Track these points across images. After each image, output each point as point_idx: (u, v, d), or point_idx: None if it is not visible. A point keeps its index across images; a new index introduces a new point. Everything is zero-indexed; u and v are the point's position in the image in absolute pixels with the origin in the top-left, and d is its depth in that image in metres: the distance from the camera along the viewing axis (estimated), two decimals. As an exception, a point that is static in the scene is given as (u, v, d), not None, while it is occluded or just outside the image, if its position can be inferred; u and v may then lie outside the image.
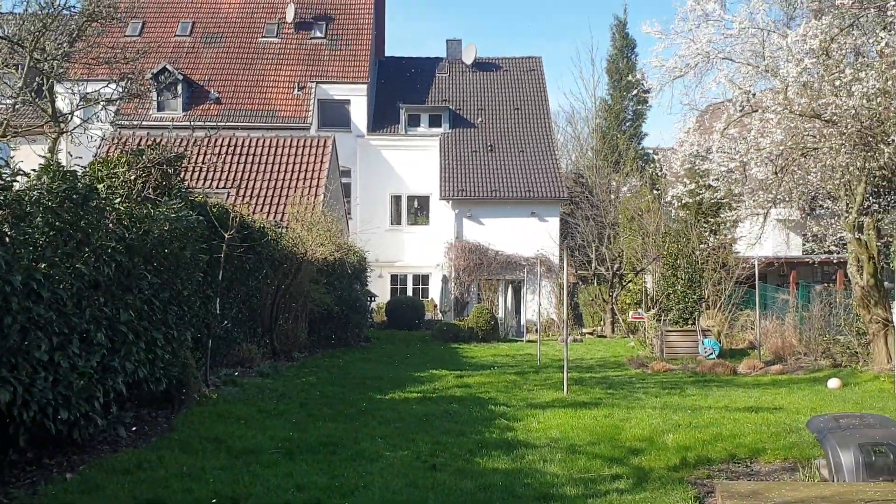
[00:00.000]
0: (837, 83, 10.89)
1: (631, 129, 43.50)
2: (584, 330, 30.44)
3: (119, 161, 10.52)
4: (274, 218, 22.13)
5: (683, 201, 15.93)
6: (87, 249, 7.62)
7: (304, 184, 24.66)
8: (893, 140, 10.94)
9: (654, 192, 24.22)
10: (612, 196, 33.10)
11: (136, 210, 9.06)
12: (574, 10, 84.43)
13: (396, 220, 34.53)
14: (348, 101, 34.60)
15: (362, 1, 38.08)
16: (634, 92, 28.45)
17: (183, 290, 9.95)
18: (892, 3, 9.64)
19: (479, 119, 36.16)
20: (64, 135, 14.62)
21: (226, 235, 12.48)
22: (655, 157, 29.45)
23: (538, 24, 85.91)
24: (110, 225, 8.29)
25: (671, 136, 26.05)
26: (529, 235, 31.59)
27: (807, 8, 13.15)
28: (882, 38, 9.65)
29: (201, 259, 10.88)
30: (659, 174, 21.25)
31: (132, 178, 10.43)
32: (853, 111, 11.35)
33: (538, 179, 33.05)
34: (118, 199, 8.77)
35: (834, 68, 11.69)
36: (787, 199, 15.86)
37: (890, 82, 10.22)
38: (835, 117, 11.65)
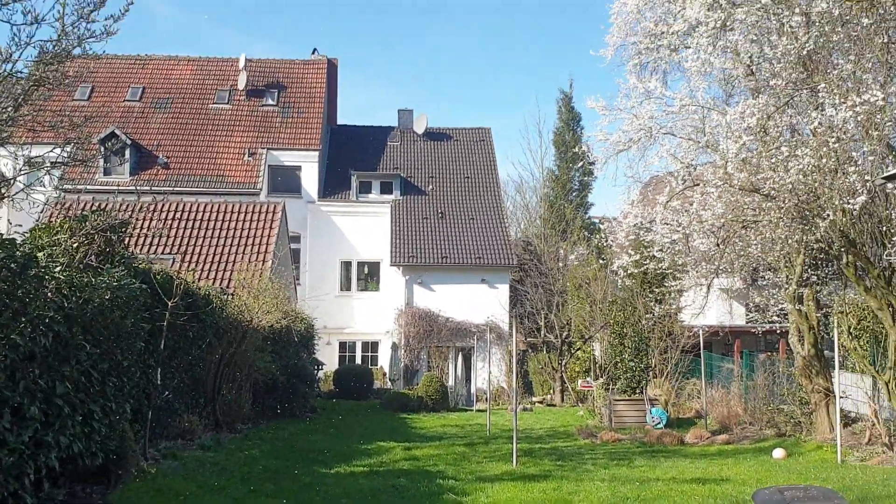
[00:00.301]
0: (774, 160, 11.28)
1: (578, 198, 44.32)
2: (534, 398, 30.34)
3: (61, 227, 10.31)
4: (220, 284, 21.81)
5: (629, 271, 16.17)
6: (23, 319, 7.38)
7: (252, 249, 24.44)
8: (829, 215, 11.31)
9: (601, 261, 24.57)
10: (561, 264, 33.50)
11: (77, 278, 8.83)
12: (522, 83, 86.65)
13: (346, 286, 34.36)
14: (299, 168, 34.67)
15: (315, 70, 38.56)
16: (580, 164, 29.07)
17: (123, 361, 9.67)
18: (823, 85, 10.09)
19: (431, 187, 36.51)
20: (5, 200, 14.29)
21: (169, 303, 12.24)
22: (601, 226, 29.97)
23: (488, 97, 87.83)
24: (49, 294, 8.05)
25: (616, 207, 26.63)
26: (480, 302, 31.66)
27: (744, 87, 13.68)
28: (815, 117, 10.07)
29: (143, 328, 10.61)
30: (605, 244, 21.60)
31: (74, 245, 10.22)
32: (790, 186, 11.73)
33: (488, 247, 33.32)
34: (59, 268, 8.55)
35: (771, 145, 12.11)
36: (730, 269, 16.23)
37: (824, 160, 10.61)
38: (773, 192, 12.02)
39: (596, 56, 15.62)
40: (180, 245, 24.68)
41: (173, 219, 25.31)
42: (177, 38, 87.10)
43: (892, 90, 9.42)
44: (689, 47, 12.10)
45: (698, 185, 13.64)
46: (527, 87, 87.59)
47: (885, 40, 10.13)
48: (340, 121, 41.66)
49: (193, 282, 16.43)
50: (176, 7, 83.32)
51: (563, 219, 40.58)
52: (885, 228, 11.98)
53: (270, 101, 36.38)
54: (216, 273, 23.77)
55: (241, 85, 36.53)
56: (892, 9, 9.32)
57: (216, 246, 24.84)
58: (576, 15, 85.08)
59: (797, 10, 9.68)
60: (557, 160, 45.18)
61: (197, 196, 28.61)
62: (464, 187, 36.89)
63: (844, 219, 11.59)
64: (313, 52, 40.00)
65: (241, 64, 37.17)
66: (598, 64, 15.20)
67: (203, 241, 24.95)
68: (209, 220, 25.73)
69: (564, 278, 31.63)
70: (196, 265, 23.57)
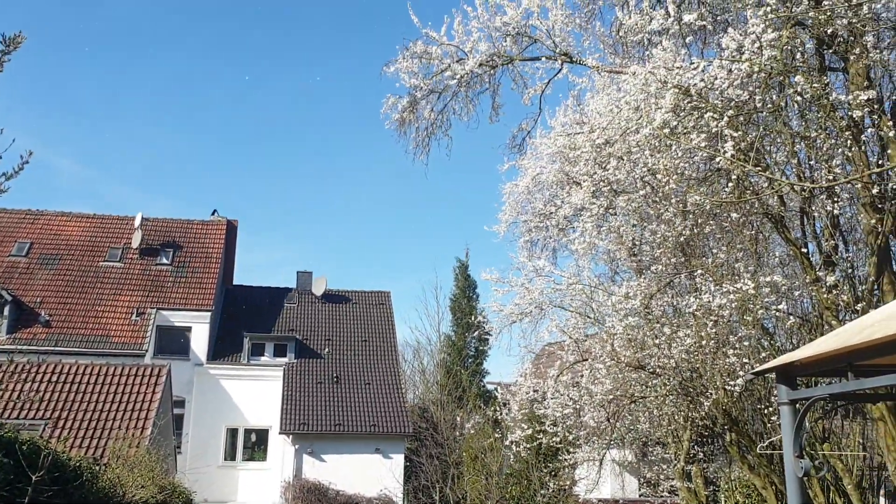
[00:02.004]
0: (658, 339, 11.67)
1: (474, 365, 44.41)
2: (427, 579, 28.92)
3: (-85, 397, 9.52)
4: (94, 454, 20.39)
5: (522, 445, 16.07)
6: None
7: (131, 415, 23.14)
8: (711, 394, 11.65)
9: (497, 433, 24.37)
10: (457, 433, 32.96)
11: (-75, 456, 8.05)
12: (420, 249, 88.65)
13: (231, 455, 32.67)
14: (189, 329, 33.68)
15: (214, 231, 38.42)
16: (476, 332, 29.50)
17: (-32, 549, 8.71)
18: (700, 270, 10.67)
19: (327, 350, 35.96)
20: None
21: (34, 478, 11.27)
22: (498, 393, 29.95)
23: (387, 261, 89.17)
24: None
25: (511, 375, 26.81)
26: (373, 474, 30.56)
27: (628, 267, 14.33)
28: (693, 302, 10.57)
29: (-2, 509, 9.69)
30: (500, 414, 21.51)
31: (-72, 416, 9.42)
32: (674, 364, 12.10)
33: (384, 414, 32.62)
34: None
35: (654, 323, 12.57)
36: (621, 444, 16.33)
37: (704, 341, 11.04)
38: (658, 369, 12.35)
39: (490, 231, 16.22)
40: (54, 410, 23.16)
41: (49, 381, 23.89)
42: (75, 194, 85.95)
43: (762, 279, 10.03)
44: (576, 229, 12.70)
45: (587, 359, 13.91)
46: (425, 252, 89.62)
47: (753, 232, 10.92)
48: (237, 281, 41.19)
49: (64, 451, 15.27)
50: (76, 162, 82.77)
51: (459, 385, 40.42)
52: (764, 408, 12.40)
53: (165, 261, 35.77)
54: (91, 441, 22.28)
55: (136, 243, 35.90)
56: (757, 206, 10.10)
57: (93, 411, 23.42)
58: (473, 187, 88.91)
59: (673, 201, 10.36)
60: (454, 326, 45.54)
61: (78, 357, 27.24)
62: (361, 351, 36.51)
63: (726, 398, 11.95)
64: (213, 213, 40.02)
65: (137, 222, 36.72)
66: (493, 239, 15.70)
67: (79, 406, 23.50)
68: (88, 382, 24.38)
69: (461, 448, 31.07)
70: (69, 432, 22.09)
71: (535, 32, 13.36)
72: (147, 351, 31.38)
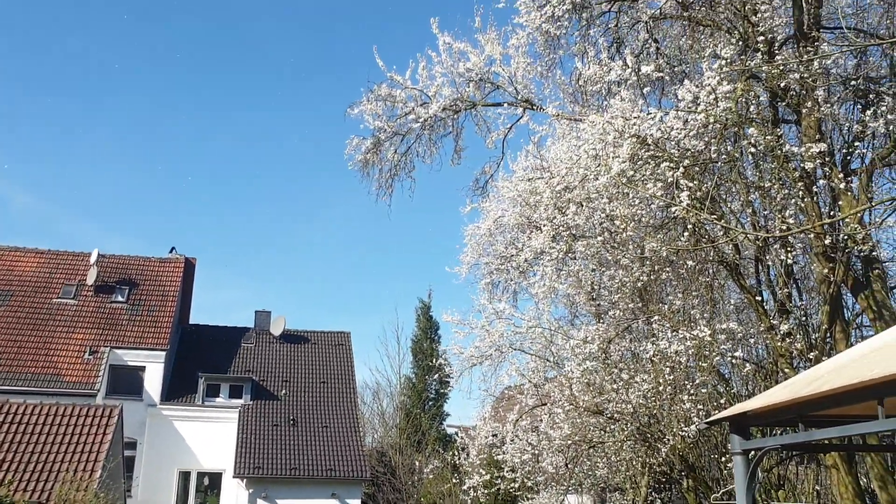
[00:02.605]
0: (616, 384, 11.70)
1: (434, 408, 44.03)
2: None
3: None
4: (39, 497, 19.76)
5: (480, 490, 15.91)
6: None
7: (80, 457, 22.43)
8: (669, 440, 11.67)
9: (455, 477, 24.11)
10: (415, 477, 32.57)
11: None
12: (382, 289, 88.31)
13: (183, 499, 31.79)
14: (143, 368, 32.94)
15: (171, 268, 37.86)
16: (437, 374, 29.33)
17: None
18: (657, 317, 10.76)
19: (284, 391, 35.39)
20: None
21: (-29, 525, 10.87)
22: (458, 436, 29.71)
23: (348, 300, 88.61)
24: None
25: (471, 418, 26.65)
26: (329, 520, 30.00)
27: (587, 311, 14.41)
28: (650, 347, 10.64)
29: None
30: (458, 459, 21.30)
31: None
32: (632, 409, 12.12)
33: (341, 458, 32.09)
34: None
35: (613, 367, 12.62)
36: (579, 489, 16.25)
37: (661, 386, 11.10)
38: (616, 415, 12.36)
39: (452, 272, 16.23)
40: (-2, 451, 22.41)
41: (-6, 422, 23.15)
42: (30, 229, 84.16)
43: (718, 326, 10.14)
44: (536, 272, 12.77)
45: (546, 404, 13.89)
46: (387, 293, 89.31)
47: (709, 279, 11.07)
48: (195, 319, 40.46)
49: (7, 495, 14.87)
50: (31, 196, 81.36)
51: (419, 429, 40.00)
52: (721, 455, 12.45)
53: (120, 298, 35.09)
54: (36, 484, 21.50)
55: (91, 280, 35.18)
56: (713, 253, 10.25)
57: (40, 453, 22.65)
58: (436, 228, 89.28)
59: (631, 247, 10.47)
60: (415, 368, 45.18)
61: (27, 396, 26.44)
62: (319, 392, 35.98)
63: (683, 444, 11.98)
64: (171, 251, 39.47)
65: (93, 259, 36.02)
66: (454, 280, 15.71)
67: (26, 448, 22.71)
68: (36, 423, 23.62)
69: (419, 493, 30.70)
70: (14, 475, 21.34)
71: (498, 79, 13.58)
72: (99, 391, 30.60)
